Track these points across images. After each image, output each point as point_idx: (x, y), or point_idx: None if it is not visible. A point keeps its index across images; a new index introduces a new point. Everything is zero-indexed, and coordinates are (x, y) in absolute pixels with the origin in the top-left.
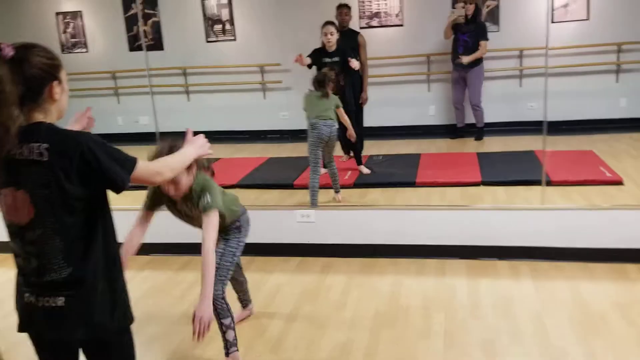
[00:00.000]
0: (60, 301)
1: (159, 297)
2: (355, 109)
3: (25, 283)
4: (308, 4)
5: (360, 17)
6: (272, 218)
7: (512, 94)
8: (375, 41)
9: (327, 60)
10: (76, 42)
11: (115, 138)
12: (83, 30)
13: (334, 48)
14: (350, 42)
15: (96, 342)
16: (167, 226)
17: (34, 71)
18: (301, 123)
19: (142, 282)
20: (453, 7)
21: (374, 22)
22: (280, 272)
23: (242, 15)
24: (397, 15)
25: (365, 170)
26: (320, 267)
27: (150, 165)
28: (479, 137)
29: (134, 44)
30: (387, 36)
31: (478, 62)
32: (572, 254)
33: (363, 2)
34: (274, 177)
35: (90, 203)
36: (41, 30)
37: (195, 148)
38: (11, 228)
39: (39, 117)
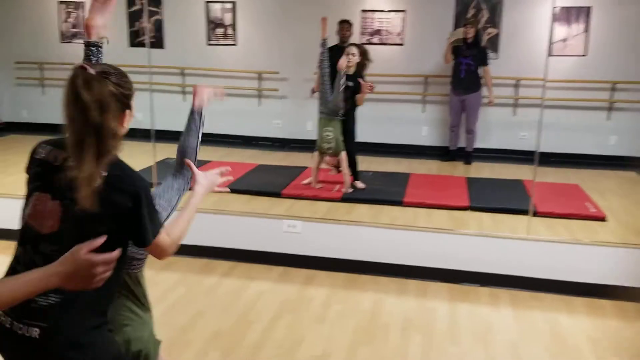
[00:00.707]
0: (35, 332)
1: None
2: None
3: None
4: (311, 16)
5: (362, 33)
6: (258, 226)
7: (505, 122)
8: (374, 58)
9: (349, 84)
10: (76, 33)
11: None
12: (84, 21)
13: (352, 71)
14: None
15: None
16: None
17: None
18: (293, 132)
19: None
20: (453, 30)
21: (375, 39)
22: (263, 280)
23: (245, 21)
24: (398, 34)
25: (360, 185)
26: (302, 278)
27: (167, 238)
28: (468, 162)
29: (134, 40)
30: (386, 54)
31: (478, 87)
32: (552, 285)
33: (365, 18)
34: (263, 185)
35: (114, 242)
36: (42, 18)
37: (206, 188)
38: (27, 232)
39: None
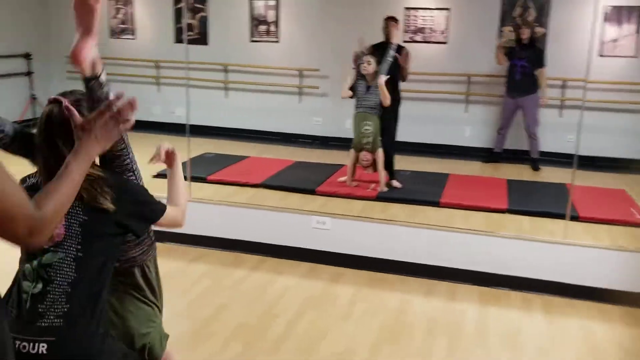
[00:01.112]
0: (43, 348)
1: (167, 286)
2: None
3: (16, 308)
4: (354, 15)
5: (405, 31)
6: (288, 221)
7: (551, 124)
8: (416, 56)
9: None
10: (124, 29)
11: (151, 126)
12: (132, 17)
13: (371, 78)
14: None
15: None
16: (195, 217)
17: None
18: (333, 130)
19: None
20: (500, 31)
21: (418, 37)
22: (290, 275)
23: (287, 19)
24: (442, 33)
25: (396, 184)
26: (329, 275)
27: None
28: (536, 167)
29: (180, 36)
30: (429, 52)
31: (534, 89)
32: (589, 293)
33: (409, 16)
34: (298, 182)
35: (115, 244)
36: None
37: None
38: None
39: None
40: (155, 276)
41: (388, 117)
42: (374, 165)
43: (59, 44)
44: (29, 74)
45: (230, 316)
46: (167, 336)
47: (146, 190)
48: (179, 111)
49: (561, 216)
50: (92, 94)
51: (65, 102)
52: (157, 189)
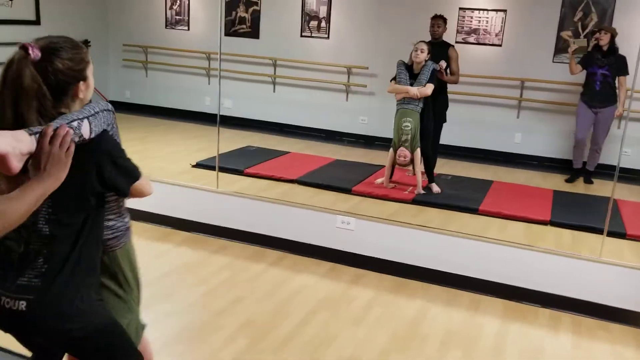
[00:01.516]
0: (22, 305)
1: (186, 275)
2: (434, 124)
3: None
4: (406, 13)
5: (458, 32)
6: (312, 219)
7: (609, 136)
8: (468, 58)
9: (411, 81)
10: (179, 20)
11: (201, 117)
12: (188, 9)
13: (420, 67)
14: (440, 55)
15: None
16: (222, 209)
17: (60, 77)
18: (378, 130)
19: (176, 258)
20: (559, 35)
21: (471, 39)
22: (309, 274)
23: (339, 15)
24: (496, 35)
25: (435, 188)
26: (350, 277)
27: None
28: (589, 180)
29: (230, 29)
30: (482, 54)
31: (614, 100)
32: (625, 316)
33: (464, 17)
34: (334, 180)
35: (97, 204)
36: (150, 4)
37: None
38: None
39: (62, 109)
40: (129, 267)
41: (428, 118)
42: (412, 164)
43: (116, 31)
44: None
45: (242, 311)
46: (143, 326)
47: (125, 151)
48: (227, 103)
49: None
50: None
51: (32, 48)
52: (197, 178)
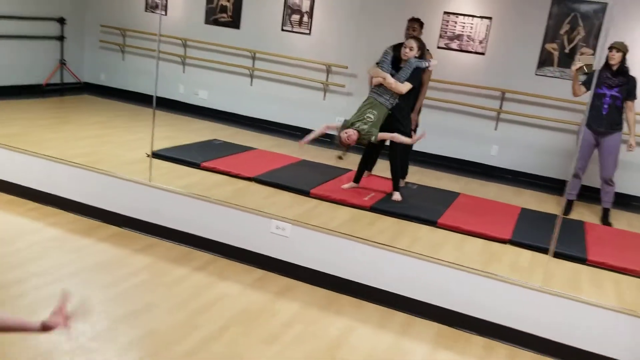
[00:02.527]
0: None
1: (99, 275)
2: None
3: None
4: (391, 14)
5: (441, 37)
6: (246, 221)
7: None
8: (449, 65)
9: (394, 72)
10: (158, 4)
11: (175, 106)
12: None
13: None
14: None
15: None
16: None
17: None
18: None
19: (93, 254)
20: (553, 49)
21: (454, 45)
22: (234, 282)
23: (322, 11)
24: (480, 42)
25: (396, 196)
26: (278, 288)
27: None
28: (607, 222)
29: (210, 17)
30: (464, 62)
31: (621, 126)
32: (565, 351)
33: (447, 21)
34: (294, 181)
35: None
36: None
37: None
38: None
39: None
40: None
41: (400, 122)
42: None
43: (94, 11)
44: (61, 38)
45: (147, 320)
46: None
47: None
48: (202, 94)
49: (568, 257)
50: None
51: None
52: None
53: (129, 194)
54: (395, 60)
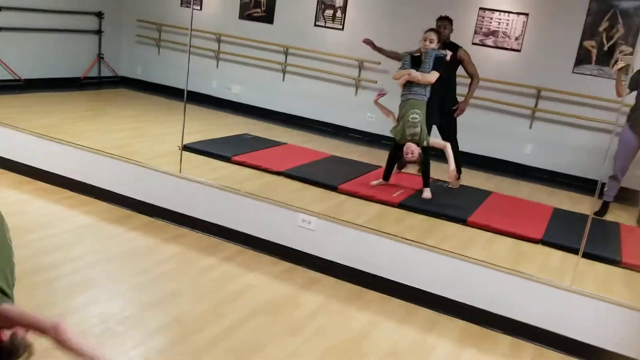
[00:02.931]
0: None
1: (129, 262)
2: (440, 123)
3: None
4: (424, 10)
5: (476, 32)
6: (274, 214)
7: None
8: (484, 61)
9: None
10: None
11: (208, 100)
12: None
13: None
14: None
15: None
16: (183, 195)
17: None
18: (384, 128)
19: (124, 243)
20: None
21: (489, 41)
22: (261, 273)
23: (356, 6)
24: (516, 39)
25: (426, 193)
26: (304, 280)
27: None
28: (602, 212)
29: (244, 12)
30: (498, 58)
31: None
32: (592, 353)
33: (483, 17)
34: (322, 176)
35: None
36: None
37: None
38: None
39: None
40: None
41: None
42: (419, 162)
43: (131, 6)
44: (99, 32)
45: (173, 307)
46: None
47: None
48: (235, 88)
49: (602, 259)
50: None
51: None
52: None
53: (160, 185)
54: (414, 62)
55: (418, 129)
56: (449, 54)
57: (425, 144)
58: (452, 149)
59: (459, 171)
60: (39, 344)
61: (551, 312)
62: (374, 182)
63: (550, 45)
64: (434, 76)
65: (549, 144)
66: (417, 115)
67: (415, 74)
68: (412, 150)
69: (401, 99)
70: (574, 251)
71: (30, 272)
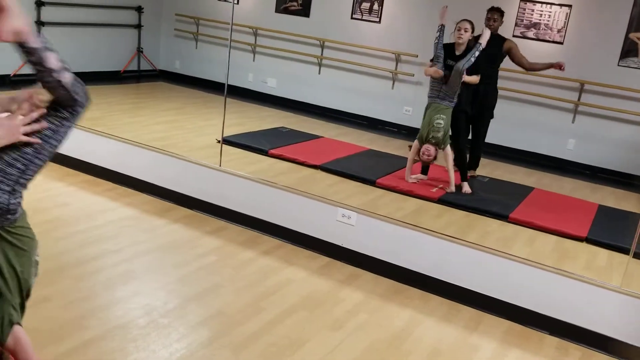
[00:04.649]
0: None
1: (170, 254)
2: (482, 119)
3: None
4: (463, 2)
5: (517, 25)
6: (313, 208)
7: None
8: (525, 54)
9: (451, 63)
10: None
11: (244, 93)
12: None
13: (462, 49)
14: (494, 49)
15: None
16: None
17: None
18: (421, 122)
19: (165, 235)
20: (638, 39)
21: (530, 33)
22: (300, 268)
23: None
24: (558, 31)
25: (466, 188)
26: (343, 276)
27: None
28: None
29: (280, 6)
30: (540, 51)
31: None
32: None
33: (524, 9)
34: (360, 170)
35: None
36: None
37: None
38: None
39: None
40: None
41: (462, 110)
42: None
43: (170, 0)
44: (138, 26)
45: (214, 300)
46: (11, 322)
47: None
48: (271, 82)
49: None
50: (28, 59)
51: None
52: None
53: (200, 178)
54: (448, 53)
55: (441, 134)
56: (484, 39)
57: (443, 147)
58: (476, 146)
59: (476, 165)
60: None
61: (600, 314)
62: (413, 177)
63: (594, 37)
64: (476, 78)
65: (592, 139)
66: (442, 121)
67: (469, 79)
68: (430, 152)
69: (429, 98)
70: (621, 250)
71: (74, 264)
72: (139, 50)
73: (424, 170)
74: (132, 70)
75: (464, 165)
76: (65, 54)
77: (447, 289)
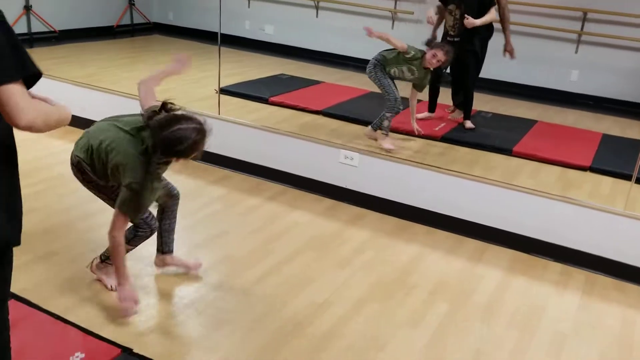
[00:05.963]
0: None
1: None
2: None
3: None
4: None
5: None
6: (315, 152)
7: None
8: None
9: (451, 6)
10: None
11: (241, 42)
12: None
13: None
14: None
15: None
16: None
17: None
18: None
19: None
20: None
21: None
22: (305, 211)
23: None
24: None
25: (468, 124)
26: (349, 217)
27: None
28: None
29: None
30: None
31: None
32: None
33: None
34: (361, 113)
35: None
36: None
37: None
38: None
39: None
40: None
41: (471, 42)
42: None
43: None
44: None
45: (223, 245)
46: None
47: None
48: (268, 29)
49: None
50: None
51: None
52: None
53: None
54: None
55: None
56: None
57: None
58: (470, 86)
59: (467, 115)
60: None
61: (603, 238)
62: (420, 115)
63: None
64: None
65: (596, 69)
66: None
67: (473, 22)
68: (439, 57)
69: None
70: (626, 177)
71: (80, 217)
72: (131, 3)
73: (431, 108)
74: (126, 25)
75: (469, 102)
76: (58, 12)
77: (451, 223)
